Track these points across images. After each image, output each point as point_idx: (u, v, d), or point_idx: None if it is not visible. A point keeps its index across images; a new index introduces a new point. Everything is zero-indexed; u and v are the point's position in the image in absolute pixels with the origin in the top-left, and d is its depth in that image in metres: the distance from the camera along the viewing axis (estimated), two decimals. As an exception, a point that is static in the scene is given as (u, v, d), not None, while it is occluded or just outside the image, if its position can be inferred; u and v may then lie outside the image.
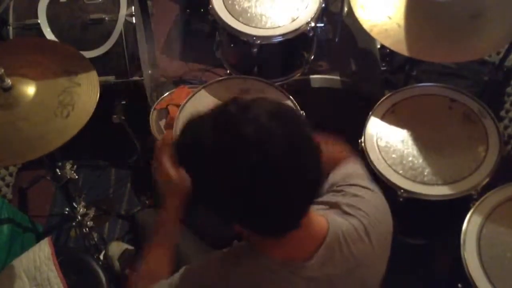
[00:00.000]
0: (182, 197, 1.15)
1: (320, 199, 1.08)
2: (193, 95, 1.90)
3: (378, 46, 2.33)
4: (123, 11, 2.03)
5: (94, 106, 1.49)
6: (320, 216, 1.00)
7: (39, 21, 2.00)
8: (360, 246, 1.01)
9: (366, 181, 1.13)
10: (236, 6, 2.00)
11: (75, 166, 1.92)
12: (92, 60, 1.72)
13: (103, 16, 2.01)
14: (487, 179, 1.62)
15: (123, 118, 2.11)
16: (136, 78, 2.11)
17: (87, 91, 1.53)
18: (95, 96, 1.52)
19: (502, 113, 2.32)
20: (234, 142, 0.85)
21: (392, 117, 1.79)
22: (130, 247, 2.00)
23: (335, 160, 1.21)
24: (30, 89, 1.51)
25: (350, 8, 2.00)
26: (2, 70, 1.45)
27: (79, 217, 2.03)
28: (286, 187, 0.86)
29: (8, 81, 1.47)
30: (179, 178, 1.14)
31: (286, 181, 0.85)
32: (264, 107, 0.88)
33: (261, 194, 0.85)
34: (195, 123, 0.94)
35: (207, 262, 1.05)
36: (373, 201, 1.09)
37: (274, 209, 0.88)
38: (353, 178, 1.12)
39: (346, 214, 1.03)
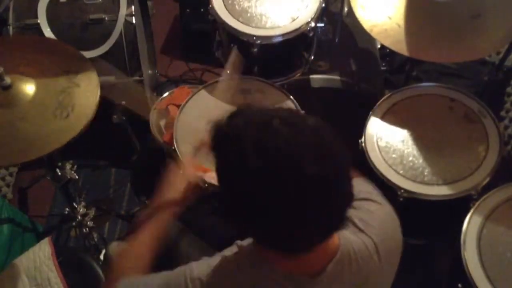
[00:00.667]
0: (190, 193, 1.16)
1: None
2: (193, 95, 1.90)
3: (378, 46, 2.33)
4: (123, 11, 2.03)
5: (94, 109, 1.48)
6: None
7: (39, 21, 2.00)
8: (369, 263, 0.99)
9: (377, 196, 1.12)
10: (236, 6, 2.00)
11: (75, 166, 1.91)
12: (92, 60, 1.72)
13: (103, 16, 2.01)
14: (487, 179, 1.62)
15: (123, 118, 2.11)
16: (136, 78, 2.11)
17: (86, 92, 1.52)
18: (95, 98, 1.51)
19: (502, 113, 2.32)
20: (278, 164, 0.81)
21: (392, 117, 1.79)
22: (130, 247, 2.00)
23: None
24: (29, 88, 1.51)
25: (350, 8, 2.00)
26: (2, 69, 1.45)
27: (79, 217, 2.03)
28: (323, 210, 0.84)
29: (8, 80, 1.47)
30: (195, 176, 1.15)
31: (325, 205, 0.84)
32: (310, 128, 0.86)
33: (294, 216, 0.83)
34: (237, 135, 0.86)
35: (206, 265, 1.02)
36: (384, 217, 1.07)
37: (302, 229, 0.85)
38: (364, 193, 1.11)
39: (358, 230, 1.01)
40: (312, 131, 0.85)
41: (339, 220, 0.91)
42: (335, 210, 0.88)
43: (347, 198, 0.90)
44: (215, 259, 1.01)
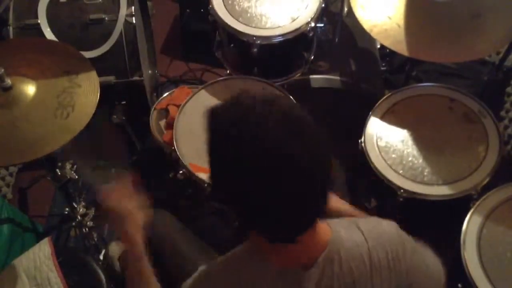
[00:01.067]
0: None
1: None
2: (193, 95, 1.90)
3: (378, 46, 2.33)
4: (123, 11, 2.03)
5: (94, 108, 1.49)
6: (323, 224, 0.99)
7: (39, 21, 2.00)
8: (360, 267, 0.99)
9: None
10: (236, 6, 2.00)
11: (75, 166, 1.91)
12: (92, 60, 1.72)
13: (103, 16, 2.01)
14: (487, 179, 1.62)
15: (123, 118, 2.11)
16: (136, 78, 2.11)
17: (87, 92, 1.53)
18: (95, 98, 1.51)
19: (502, 113, 2.32)
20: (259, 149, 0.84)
21: (392, 117, 1.79)
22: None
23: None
24: (30, 89, 1.51)
25: (350, 8, 2.00)
26: (2, 70, 1.45)
27: (79, 217, 2.03)
28: (305, 190, 0.86)
29: (8, 81, 1.47)
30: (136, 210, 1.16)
31: (305, 184, 0.86)
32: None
33: (278, 197, 0.85)
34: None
35: (210, 268, 1.04)
36: (389, 233, 1.06)
37: (289, 213, 0.88)
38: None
39: (356, 229, 1.02)
40: (286, 115, 0.86)
41: (320, 206, 0.92)
42: (315, 196, 0.90)
43: (326, 183, 0.91)
44: (216, 263, 1.04)
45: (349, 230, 1.02)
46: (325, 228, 0.99)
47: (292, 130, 0.84)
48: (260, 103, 0.86)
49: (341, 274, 0.98)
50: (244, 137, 0.84)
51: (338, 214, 1.18)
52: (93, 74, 1.57)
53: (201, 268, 1.04)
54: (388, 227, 1.06)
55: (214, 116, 0.91)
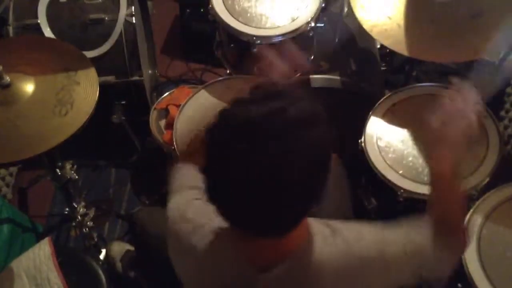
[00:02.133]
0: None
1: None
2: (193, 95, 1.90)
3: (378, 46, 2.33)
4: (123, 11, 2.03)
5: (93, 105, 1.49)
6: (302, 228, 0.96)
7: (39, 21, 2.00)
8: (321, 249, 0.97)
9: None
10: (236, 6, 2.00)
11: (75, 166, 1.91)
12: (92, 60, 1.72)
13: (103, 16, 2.01)
14: (487, 179, 1.62)
15: (123, 118, 2.11)
16: (136, 78, 2.11)
17: (86, 89, 1.53)
18: (94, 95, 1.52)
19: (502, 113, 2.32)
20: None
21: (392, 117, 1.79)
22: (131, 248, 2.00)
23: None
24: (28, 86, 1.51)
25: (350, 8, 2.00)
26: (1, 67, 1.46)
27: (79, 217, 2.02)
28: (292, 189, 0.85)
29: (7, 78, 1.47)
30: None
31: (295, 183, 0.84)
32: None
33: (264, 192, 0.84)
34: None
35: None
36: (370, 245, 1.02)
37: (270, 210, 0.86)
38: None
39: (332, 242, 0.99)
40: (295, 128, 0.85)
41: (295, 217, 0.91)
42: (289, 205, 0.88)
43: (314, 194, 0.89)
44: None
45: (327, 241, 0.99)
46: (301, 233, 0.96)
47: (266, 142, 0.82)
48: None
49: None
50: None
51: None
52: (92, 71, 1.58)
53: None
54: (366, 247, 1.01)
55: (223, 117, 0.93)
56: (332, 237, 0.99)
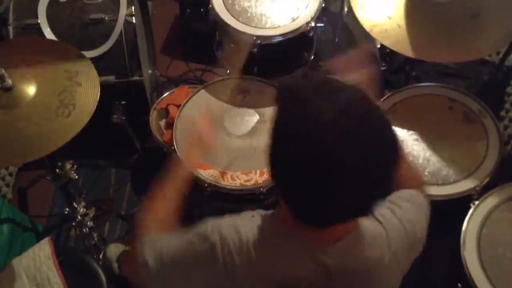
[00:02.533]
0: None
1: None
2: (193, 95, 1.90)
3: (378, 46, 2.33)
4: (123, 11, 2.03)
5: (95, 106, 1.49)
6: None
7: (39, 21, 2.00)
8: (377, 254, 0.98)
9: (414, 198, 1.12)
10: (236, 6, 2.00)
11: (75, 166, 1.91)
12: (92, 60, 1.72)
13: (103, 16, 2.01)
14: (487, 179, 1.62)
15: (123, 118, 2.11)
16: (136, 78, 2.11)
17: (87, 90, 1.53)
18: (96, 95, 1.51)
19: (502, 113, 2.32)
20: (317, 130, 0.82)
21: (392, 117, 1.79)
22: (128, 248, 2.00)
23: (408, 182, 1.17)
24: (30, 89, 1.51)
25: (350, 8, 2.00)
26: (3, 70, 1.45)
27: (79, 217, 2.02)
28: (352, 189, 0.84)
29: (9, 81, 1.47)
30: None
31: (352, 184, 0.83)
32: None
33: (330, 184, 0.83)
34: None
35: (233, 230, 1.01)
36: (409, 216, 1.06)
37: (333, 202, 0.85)
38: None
39: (375, 220, 1.01)
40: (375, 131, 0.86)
41: (366, 206, 0.90)
42: (368, 197, 0.88)
43: (385, 188, 0.91)
44: (241, 222, 1.00)
45: (372, 220, 1.01)
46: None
47: (347, 129, 0.81)
48: (321, 95, 0.85)
49: (358, 262, 0.97)
50: (298, 135, 0.83)
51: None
52: (93, 72, 1.57)
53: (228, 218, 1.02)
54: (404, 211, 1.05)
55: (283, 95, 0.90)
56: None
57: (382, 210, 1.04)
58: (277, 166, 0.88)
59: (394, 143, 0.89)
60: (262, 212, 1.02)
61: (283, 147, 0.85)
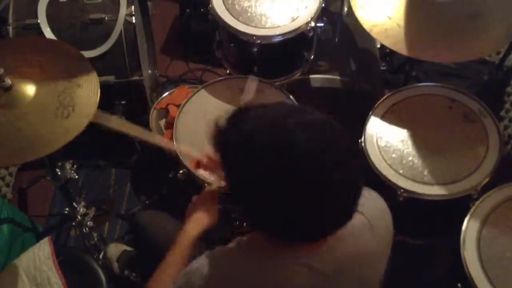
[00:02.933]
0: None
1: None
2: (193, 95, 1.90)
3: (378, 46, 2.33)
4: (123, 11, 2.03)
5: (95, 108, 1.49)
6: None
7: (39, 21, 2.00)
8: (365, 240, 1.02)
9: None
10: (236, 6, 2.00)
11: (75, 166, 1.91)
12: (92, 60, 1.72)
13: (103, 16, 2.01)
14: (487, 179, 1.62)
15: (123, 118, 2.11)
16: (136, 78, 2.11)
17: (87, 92, 1.52)
18: (96, 97, 1.51)
19: (502, 113, 2.32)
20: (288, 149, 0.84)
21: (392, 117, 1.79)
22: (128, 248, 2.00)
23: None
24: (30, 89, 1.51)
25: (350, 8, 2.00)
26: (2, 70, 1.45)
27: (79, 217, 2.03)
28: (332, 198, 0.87)
29: (8, 81, 1.47)
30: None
31: (334, 193, 0.86)
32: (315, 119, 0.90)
33: (305, 203, 0.85)
34: (248, 116, 0.91)
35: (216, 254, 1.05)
36: (372, 199, 1.10)
37: (315, 218, 0.88)
38: None
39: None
40: (326, 132, 0.90)
41: (350, 214, 0.93)
42: (348, 205, 0.91)
43: (358, 192, 0.92)
44: (216, 255, 1.03)
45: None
46: None
47: (322, 140, 0.86)
48: (289, 112, 0.88)
49: (348, 254, 1.00)
50: (271, 149, 0.85)
51: None
52: (93, 73, 1.57)
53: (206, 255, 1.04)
54: (367, 195, 1.08)
55: (240, 116, 0.91)
56: None
57: None
58: (251, 196, 0.89)
59: (355, 151, 0.95)
60: (240, 239, 1.04)
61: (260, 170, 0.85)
